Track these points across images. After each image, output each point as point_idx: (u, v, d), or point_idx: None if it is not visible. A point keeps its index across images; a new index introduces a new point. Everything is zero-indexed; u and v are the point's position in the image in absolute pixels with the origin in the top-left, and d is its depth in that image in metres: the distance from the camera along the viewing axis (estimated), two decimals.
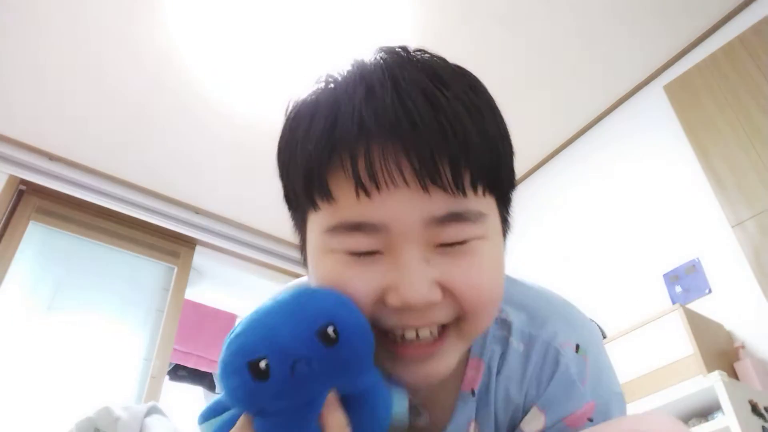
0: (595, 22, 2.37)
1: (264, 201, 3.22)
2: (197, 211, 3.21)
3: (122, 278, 2.97)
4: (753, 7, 2.29)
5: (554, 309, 0.52)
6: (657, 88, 2.52)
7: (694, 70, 2.27)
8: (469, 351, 0.51)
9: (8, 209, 2.69)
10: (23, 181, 2.77)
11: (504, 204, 0.49)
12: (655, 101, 2.53)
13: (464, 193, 0.41)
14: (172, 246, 3.18)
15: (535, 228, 2.94)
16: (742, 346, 1.82)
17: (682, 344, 1.71)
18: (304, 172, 0.42)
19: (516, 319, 0.51)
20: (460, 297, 0.42)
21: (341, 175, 0.41)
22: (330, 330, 0.36)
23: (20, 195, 2.79)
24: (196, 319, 3.43)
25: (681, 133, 2.26)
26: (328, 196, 0.41)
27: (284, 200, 0.50)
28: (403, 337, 0.43)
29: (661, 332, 1.78)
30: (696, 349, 1.67)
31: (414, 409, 0.50)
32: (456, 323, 0.44)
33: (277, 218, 3.42)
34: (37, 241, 2.78)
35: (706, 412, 1.65)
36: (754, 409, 1.56)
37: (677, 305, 1.81)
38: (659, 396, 1.66)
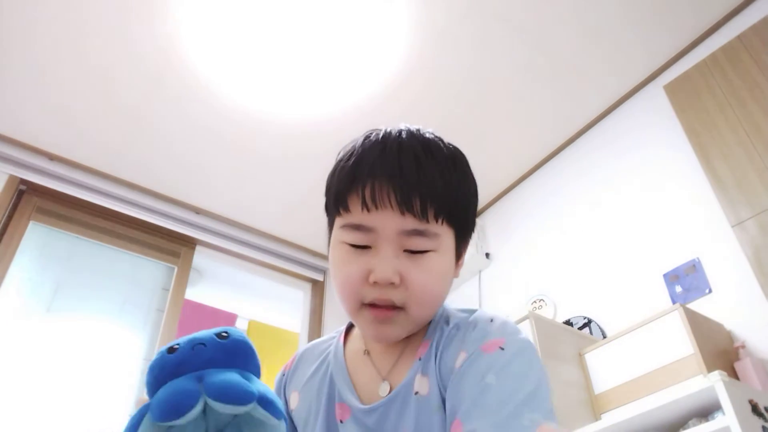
0: (594, 22, 2.37)
1: (264, 201, 3.22)
2: (197, 211, 3.21)
3: (122, 278, 2.97)
4: (753, 7, 2.29)
5: (487, 314, 0.71)
6: (657, 88, 2.53)
7: (694, 70, 2.27)
8: (424, 337, 0.72)
9: (8, 209, 2.69)
10: (23, 181, 2.77)
11: (462, 231, 0.70)
12: (655, 101, 2.53)
13: (428, 220, 0.64)
14: (172, 246, 3.18)
15: (535, 227, 2.94)
16: (743, 346, 1.82)
17: (682, 344, 1.71)
18: (335, 193, 0.68)
19: (458, 316, 0.72)
20: (410, 287, 0.65)
21: (356, 197, 0.65)
22: (223, 333, 0.56)
23: (20, 195, 2.79)
24: (196, 319, 3.43)
25: (681, 133, 2.26)
26: (346, 208, 0.66)
27: (324, 211, 0.74)
28: (375, 305, 0.66)
29: (661, 332, 1.78)
30: (696, 349, 1.67)
31: (381, 383, 0.70)
32: (406, 309, 0.66)
33: (277, 218, 3.42)
34: (37, 241, 2.79)
35: (706, 412, 1.65)
36: (754, 409, 1.56)
37: (677, 305, 1.81)
38: (659, 396, 1.66)
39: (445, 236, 0.67)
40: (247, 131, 2.78)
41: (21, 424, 2.37)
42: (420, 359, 0.68)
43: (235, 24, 2.29)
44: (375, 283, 0.64)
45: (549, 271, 2.76)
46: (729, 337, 1.90)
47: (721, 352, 1.78)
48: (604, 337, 2.26)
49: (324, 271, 3.65)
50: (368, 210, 0.64)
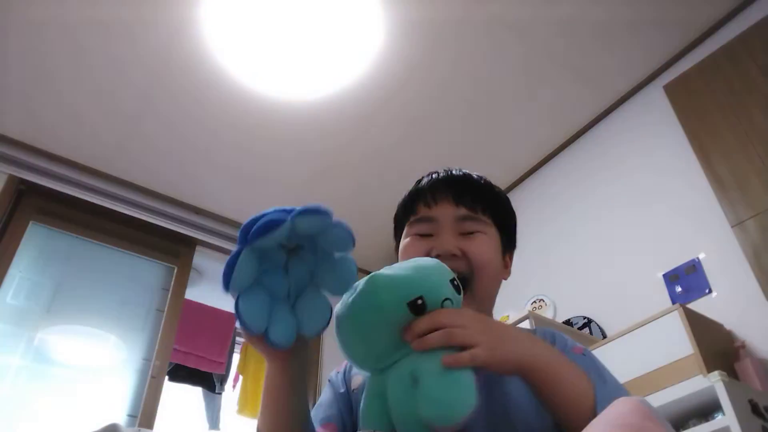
0: (595, 22, 2.37)
1: (264, 201, 3.21)
2: (197, 211, 3.21)
3: (122, 278, 2.97)
4: (753, 7, 2.29)
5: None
6: (657, 88, 2.53)
7: (694, 70, 2.27)
8: None
9: (8, 209, 2.69)
10: (23, 181, 2.77)
11: (504, 231, 0.90)
12: (655, 101, 2.53)
13: (476, 211, 0.85)
14: (172, 246, 3.17)
15: (535, 227, 2.94)
16: (743, 346, 1.82)
17: (682, 344, 1.71)
18: (404, 205, 0.90)
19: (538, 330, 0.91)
20: (470, 257, 0.81)
21: (420, 201, 0.87)
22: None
23: (20, 195, 2.79)
24: (196, 319, 3.42)
25: (681, 133, 2.26)
26: (413, 210, 0.88)
27: (393, 231, 0.94)
28: None
29: (661, 332, 1.78)
30: (696, 348, 1.67)
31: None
32: (469, 283, 0.80)
33: None
34: (37, 241, 2.78)
35: (706, 412, 1.65)
36: (754, 409, 1.56)
37: (677, 305, 1.81)
38: (659, 396, 1.66)
39: (491, 227, 0.87)
40: (247, 131, 2.78)
41: (20, 425, 2.37)
42: None
43: (241, 23, 2.30)
44: (438, 256, 0.79)
45: (549, 271, 2.76)
46: (729, 337, 1.90)
47: (721, 352, 1.78)
48: (604, 337, 2.26)
49: None
50: (429, 207, 0.86)
